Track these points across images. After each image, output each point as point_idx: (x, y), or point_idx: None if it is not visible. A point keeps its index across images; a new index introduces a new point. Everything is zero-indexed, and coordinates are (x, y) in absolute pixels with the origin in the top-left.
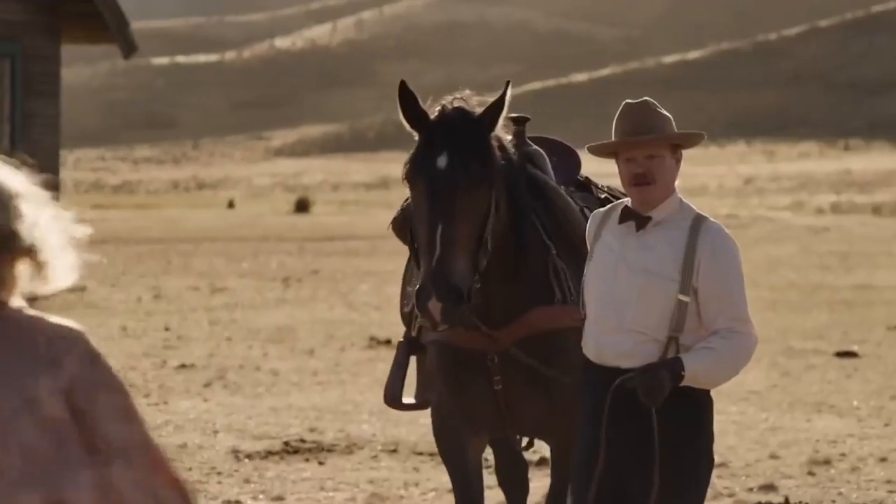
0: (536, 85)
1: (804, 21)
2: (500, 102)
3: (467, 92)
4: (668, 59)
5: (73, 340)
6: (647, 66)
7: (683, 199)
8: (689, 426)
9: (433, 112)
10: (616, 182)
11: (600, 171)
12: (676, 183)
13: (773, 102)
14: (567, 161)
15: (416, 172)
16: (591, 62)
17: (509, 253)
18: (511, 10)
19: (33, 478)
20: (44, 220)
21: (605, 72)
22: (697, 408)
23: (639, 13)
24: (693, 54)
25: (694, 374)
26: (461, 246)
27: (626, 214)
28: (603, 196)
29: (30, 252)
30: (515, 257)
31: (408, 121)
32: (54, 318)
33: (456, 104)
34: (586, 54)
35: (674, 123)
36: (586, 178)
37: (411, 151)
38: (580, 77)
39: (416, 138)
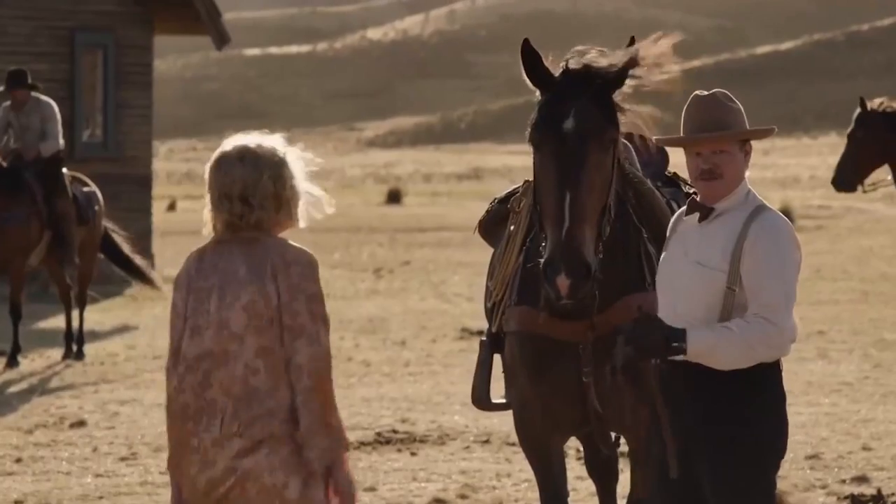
0: None
1: None
2: (627, 58)
3: (592, 50)
4: (761, 49)
5: (306, 262)
6: (739, 57)
7: (751, 190)
8: (734, 415)
9: (556, 70)
10: None
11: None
12: (746, 174)
13: (865, 93)
14: (655, 156)
15: (543, 135)
16: (684, 52)
17: (616, 232)
18: (604, 0)
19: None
20: (299, 177)
21: (697, 62)
22: (748, 396)
23: (732, 3)
24: (786, 45)
25: (698, 349)
26: (589, 217)
27: (692, 206)
28: (693, 191)
29: (290, 203)
30: (619, 237)
31: (531, 80)
32: (298, 244)
33: (583, 61)
34: (679, 44)
35: (744, 115)
36: (674, 173)
37: (535, 111)
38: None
39: (538, 97)
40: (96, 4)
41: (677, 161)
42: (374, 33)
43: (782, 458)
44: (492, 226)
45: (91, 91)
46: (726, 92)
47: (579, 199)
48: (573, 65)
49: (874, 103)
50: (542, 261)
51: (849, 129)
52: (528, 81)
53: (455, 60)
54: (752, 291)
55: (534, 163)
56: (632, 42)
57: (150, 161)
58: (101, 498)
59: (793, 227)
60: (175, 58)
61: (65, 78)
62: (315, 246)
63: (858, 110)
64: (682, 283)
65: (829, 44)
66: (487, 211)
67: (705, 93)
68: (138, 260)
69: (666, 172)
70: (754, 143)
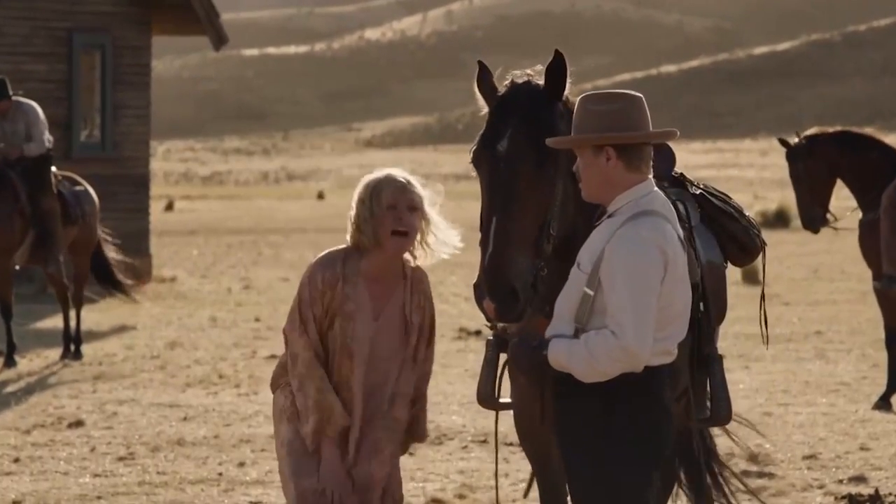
0: (625, 76)
1: (894, 12)
2: (560, 69)
3: (539, 67)
4: (759, 50)
5: (422, 277)
6: (737, 58)
7: (651, 195)
8: (597, 412)
9: (502, 88)
10: (705, 176)
11: (689, 163)
12: (649, 177)
13: (863, 93)
14: (661, 156)
15: (477, 157)
16: (682, 53)
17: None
18: (602, 0)
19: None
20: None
21: (694, 63)
22: (608, 396)
23: (730, 4)
24: (783, 45)
25: (556, 357)
26: (518, 240)
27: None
28: (698, 192)
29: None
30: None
31: (480, 92)
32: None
33: (528, 72)
34: (676, 45)
35: (611, 118)
36: (681, 174)
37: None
38: (670, 68)
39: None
40: (94, 5)
41: (688, 162)
42: (371, 34)
43: (657, 459)
44: None
45: (89, 92)
46: (604, 92)
47: (505, 224)
48: (517, 79)
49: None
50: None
51: (789, 170)
52: (479, 98)
53: (452, 61)
54: (606, 301)
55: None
56: (557, 55)
57: (148, 161)
58: (99, 498)
59: (657, 238)
60: (173, 58)
61: (62, 78)
62: (315, 246)
63: (786, 149)
64: (568, 283)
65: (827, 44)
66: None
67: (586, 94)
68: (121, 276)
69: (672, 173)
70: (752, 145)
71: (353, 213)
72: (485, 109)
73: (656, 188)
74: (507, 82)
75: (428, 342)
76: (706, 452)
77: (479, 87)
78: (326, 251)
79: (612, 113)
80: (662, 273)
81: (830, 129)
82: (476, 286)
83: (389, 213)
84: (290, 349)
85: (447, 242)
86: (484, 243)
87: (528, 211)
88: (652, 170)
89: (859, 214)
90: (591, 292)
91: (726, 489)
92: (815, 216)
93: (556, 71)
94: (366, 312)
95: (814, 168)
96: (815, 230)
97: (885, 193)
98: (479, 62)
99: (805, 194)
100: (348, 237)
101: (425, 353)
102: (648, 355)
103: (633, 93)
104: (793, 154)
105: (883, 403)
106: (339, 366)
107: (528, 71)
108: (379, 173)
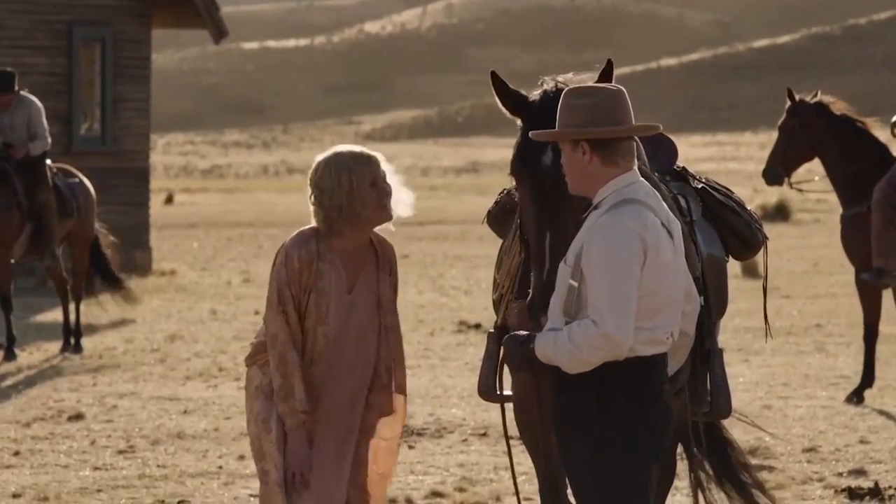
0: (626, 69)
1: (895, 5)
2: (608, 77)
3: (569, 76)
4: (759, 43)
5: (391, 252)
6: (737, 51)
7: (633, 185)
8: (585, 409)
9: (534, 96)
10: (704, 169)
11: (689, 156)
12: (633, 168)
13: (863, 87)
14: (663, 150)
15: (521, 169)
16: (681, 47)
17: None
18: None
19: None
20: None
21: (695, 56)
22: (597, 387)
23: None
24: (783, 39)
25: (542, 350)
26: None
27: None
28: (700, 186)
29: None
30: None
31: (507, 109)
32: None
33: (558, 86)
34: (676, 39)
35: (588, 113)
36: (683, 167)
37: (516, 140)
38: (670, 62)
39: (519, 125)
40: None
41: (688, 155)
42: (371, 27)
43: (655, 452)
44: (501, 216)
45: (89, 85)
46: (586, 86)
47: (559, 238)
48: (550, 90)
49: (806, 96)
50: (529, 296)
51: (780, 121)
52: (504, 111)
53: (453, 54)
54: (589, 290)
55: (518, 194)
56: (608, 65)
57: (148, 155)
58: (99, 491)
59: (636, 226)
60: (173, 51)
61: (62, 72)
62: None
63: (789, 102)
64: (558, 279)
65: (827, 38)
66: (496, 202)
67: (571, 87)
68: (117, 271)
69: (675, 166)
70: (752, 138)
71: (324, 200)
72: (509, 115)
73: (641, 178)
74: (537, 92)
75: (395, 310)
76: (724, 445)
77: (503, 101)
78: (297, 231)
79: (590, 107)
80: (642, 259)
81: (838, 109)
82: (531, 305)
83: (374, 191)
84: (269, 328)
85: (404, 202)
86: (538, 258)
87: (576, 223)
88: (636, 162)
89: (818, 184)
90: (576, 283)
91: (744, 480)
92: (776, 173)
93: (606, 79)
94: (341, 287)
95: (801, 138)
96: (769, 184)
97: (878, 186)
98: (493, 73)
99: (780, 150)
100: (316, 223)
101: (395, 321)
102: (630, 342)
103: (613, 86)
104: (794, 109)
105: (855, 396)
106: (314, 342)
107: (559, 78)
108: (338, 156)
